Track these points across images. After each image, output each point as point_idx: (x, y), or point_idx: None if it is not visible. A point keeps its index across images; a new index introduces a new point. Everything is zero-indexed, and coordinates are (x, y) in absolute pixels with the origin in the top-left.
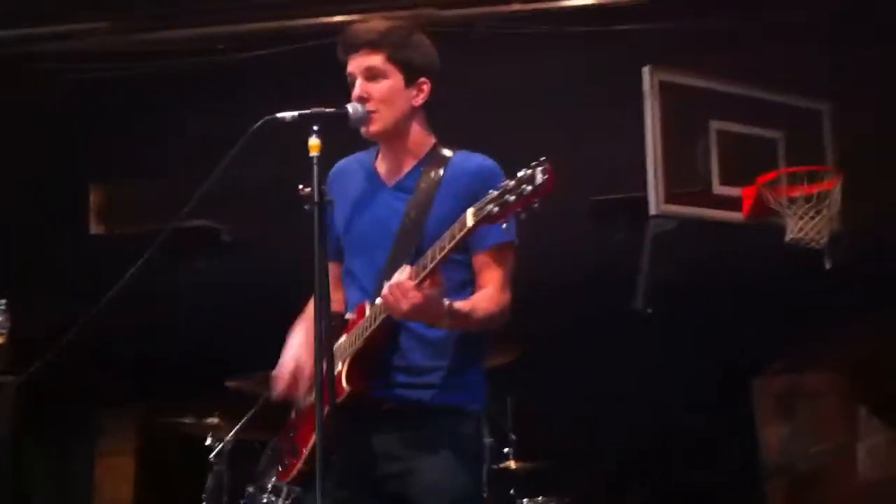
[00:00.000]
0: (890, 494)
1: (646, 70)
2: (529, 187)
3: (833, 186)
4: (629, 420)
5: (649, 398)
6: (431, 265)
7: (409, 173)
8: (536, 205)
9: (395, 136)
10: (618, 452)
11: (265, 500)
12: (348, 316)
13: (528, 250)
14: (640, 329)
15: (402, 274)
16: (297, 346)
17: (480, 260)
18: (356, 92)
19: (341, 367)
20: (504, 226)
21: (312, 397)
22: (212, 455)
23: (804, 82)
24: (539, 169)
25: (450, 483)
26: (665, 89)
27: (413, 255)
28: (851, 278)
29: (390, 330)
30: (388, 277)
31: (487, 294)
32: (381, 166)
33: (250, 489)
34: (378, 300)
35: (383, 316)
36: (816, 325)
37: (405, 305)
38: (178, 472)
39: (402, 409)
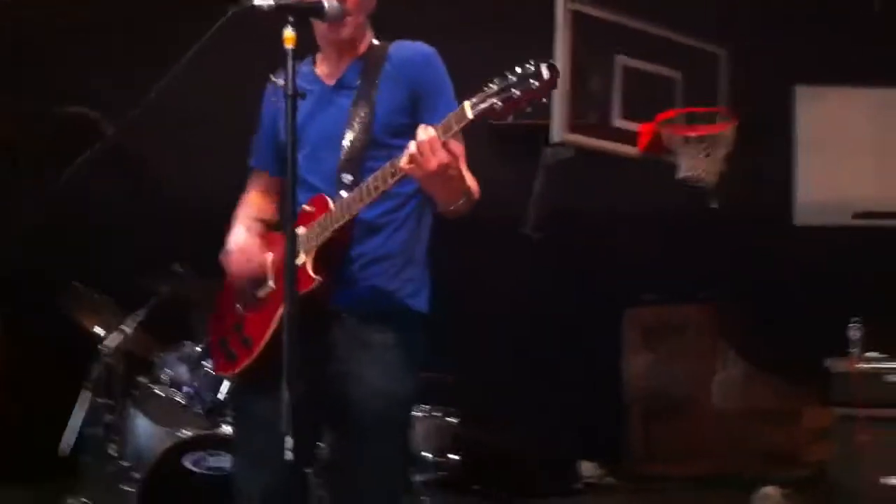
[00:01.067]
0: (740, 425)
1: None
2: (536, 83)
3: (726, 129)
4: (513, 341)
5: (532, 319)
6: (452, 132)
7: (350, 69)
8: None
9: (354, 38)
10: (499, 371)
11: (158, 391)
12: (306, 207)
13: None
14: (528, 252)
15: (427, 132)
16: (241, 232)
17: None
18: None
19: (305, 259)
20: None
21: (266, 287)
22: (103, 343)
23: (705, 26)
24: (544, 65)
25: (390, 386)
26: (577, 19)
27: (368, 148)
28: (730, 218)
29: (355, 223)
30: (346, 170)
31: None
32: (322, 68)
33: (142, 379)
34: (386, 168)
35: (394, 179)
36: (690, 260)
37: (434, 163)
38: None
39: (350, 307)
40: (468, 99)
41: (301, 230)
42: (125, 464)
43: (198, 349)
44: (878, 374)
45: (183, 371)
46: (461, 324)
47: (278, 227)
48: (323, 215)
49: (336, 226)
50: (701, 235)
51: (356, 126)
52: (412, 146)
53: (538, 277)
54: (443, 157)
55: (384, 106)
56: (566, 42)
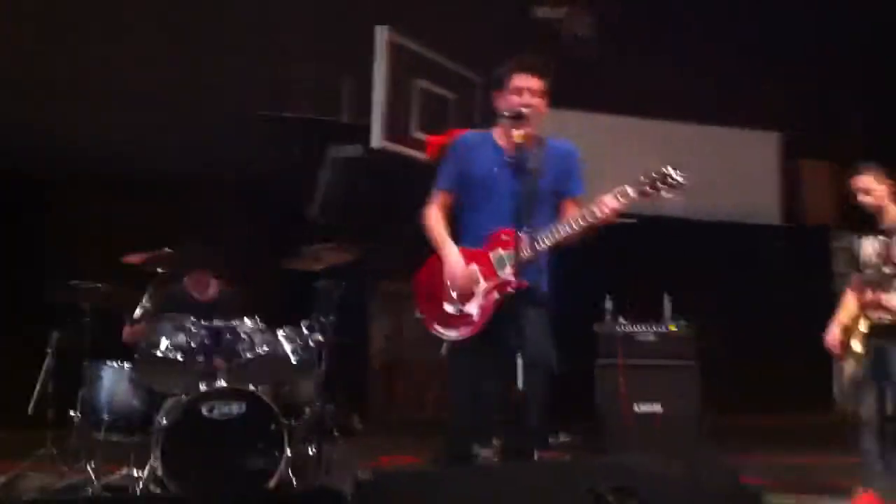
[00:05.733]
0: None
1: (379, 29)
2: (670, 193)
3: None
4: None
5: None
6: (623, 200)
7: (518, 147)
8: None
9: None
10: None
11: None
12: (503, 236)
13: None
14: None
15: (612, 201)
16: (457, 253)
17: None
18: (525, 101)
19: (510, 271)
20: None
21: (480, 285)
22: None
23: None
24: (682, 178)
25: (544, 343)
26: (390, 46)
27: (532, 203)
28: None
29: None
30: (523, 215)
31: None
32: (501, 141)
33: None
34: (585, 212)
35: (586, 224)
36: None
37: (612, 218)
38: None
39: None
40: (629, 185)
41: (501, 251)
42: (105, 416)
43: (191, 320)
44: (629, 334)
45: (181, 337)
46: None
47: None
48: (512, 244)
49: (548, 243)
50: None
51: (526, 190)
52: (606, 205)
53: None
54: (616, 214)
55: (545, 181)
56: (383, 66)
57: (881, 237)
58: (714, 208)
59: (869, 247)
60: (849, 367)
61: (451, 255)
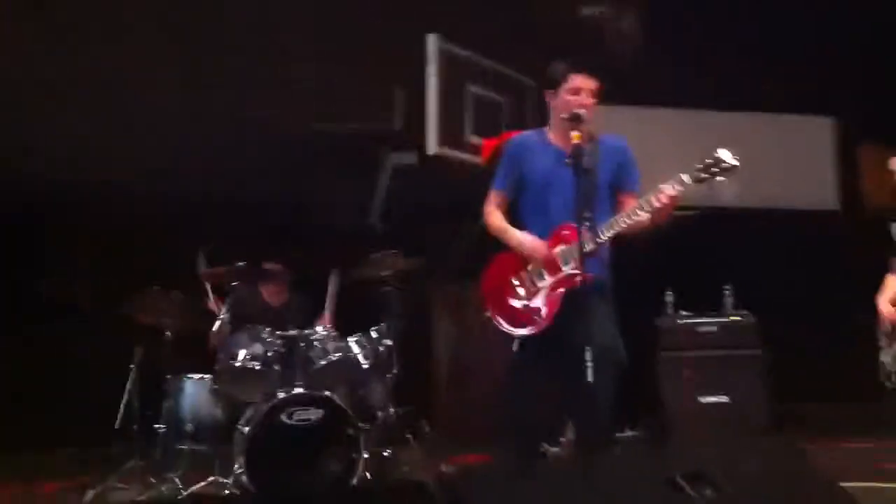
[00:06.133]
0: None
1: (431, 37)
2: (724, 177)
3: None
4: None
5: None
6: (680, 187)
7: (574, 146)
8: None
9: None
10: None
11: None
12: (564, 232)
13: None
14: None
15: (671, 189)
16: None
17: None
18: (582, 101)
19: (574, 265)
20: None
21: (545, 280)
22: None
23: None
24: (735, 161)
25: (612, 334)
26: (442, 55)
27: (593, 198)
28: None
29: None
30: (583, 211)
31: None
32: (557, 141)
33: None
34: (643, 202)
35: (642, 216)
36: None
37: (672, 206)
38: None
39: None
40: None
41: (563, 246)
42: (188, 427)
43: (266, 330)
44: (691, 327)
45: (258, 347)
46: None
47: None
48: (575, 238)
49: (606, 237)
50: None
51: (586, 184)
52: (665, 195)
53: None
54: (676, 202)
55: (602, 176)
56: (436, 74)
57: None
58: (771, 197)
59: None
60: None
61: (520, 235)
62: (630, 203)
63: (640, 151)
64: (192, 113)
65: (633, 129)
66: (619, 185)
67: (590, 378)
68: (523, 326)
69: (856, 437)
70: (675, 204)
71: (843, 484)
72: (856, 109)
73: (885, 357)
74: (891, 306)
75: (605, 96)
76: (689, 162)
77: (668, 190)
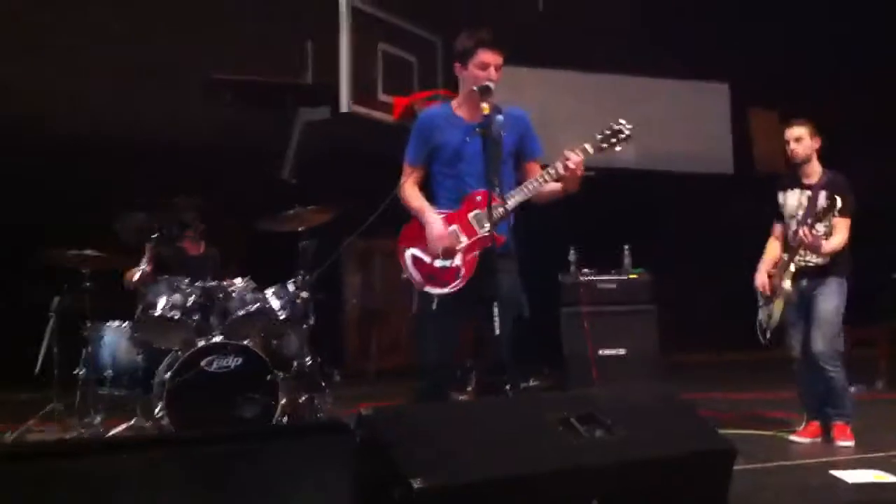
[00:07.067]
0: None
1: None
2: (618, 145)
3: None
4: None
5: None
6: (584, 155)
7: (483, 117)
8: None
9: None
10: None
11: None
12: (477, 197)
13: None
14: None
15: (577, 154)
16: (439, 220)
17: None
18: (490, 75)
19: (489, 228)
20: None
21: (462, 243)
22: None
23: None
24: (630, 130)
25: (517, 290)
26: (354, 14)
27: (500, 165)
28: None
29: None
30: (491, 176)
31: None
32: (463, 112)
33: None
34: (550, 169)
35: (552, 183)
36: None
37: (580, 171)
38: None
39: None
40: (587, 142)
41: (477, 211)
42: (108, 373)
43: (186, 280)
44: (591, 283)
45: (178, 297)
46: None
47: None
48: (485, 203)
49: (517, 201)
50: None
51: (493, 152)
52: (571, 160)
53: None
54: (581, 168)
55: (507, 144)
56: (347, 31)
57: (806, 191)
58: (670, 160)
59: (794, 200)
60: (777, 308)
61: (433, 219)
62: (535, 169)
63: (544, 113)
64: (104, 59)
65: (536, 91)
66: (523, 152)
67: (496, 330)
68: (443, 286)
69: (739, 388)
70: (580, 169)
71: (723, 431)
72: (747, 74)
73: (761, 315)
74: (766, 275)
75: (508, 59)
76: (590, 124)
77: (573, 156)
